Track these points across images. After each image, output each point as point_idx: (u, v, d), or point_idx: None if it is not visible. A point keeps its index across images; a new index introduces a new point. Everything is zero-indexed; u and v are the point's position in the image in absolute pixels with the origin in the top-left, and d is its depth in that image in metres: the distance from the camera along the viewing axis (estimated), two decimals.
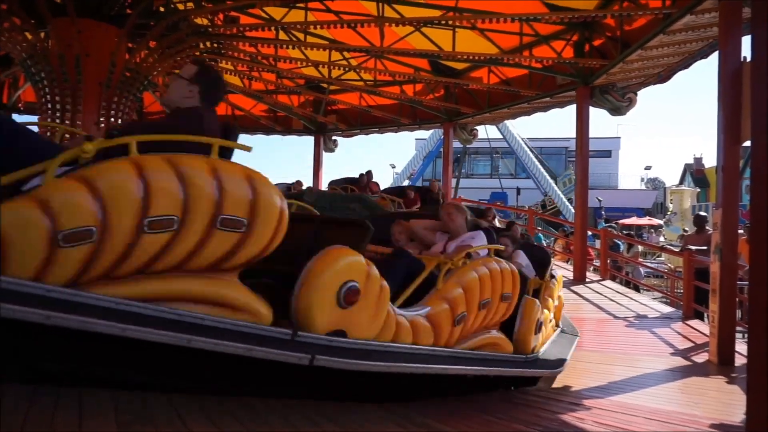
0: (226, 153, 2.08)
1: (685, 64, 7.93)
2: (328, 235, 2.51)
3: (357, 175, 11.13)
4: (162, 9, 7.38)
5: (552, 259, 5.12)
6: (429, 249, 3.51)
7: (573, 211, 15.05)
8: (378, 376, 2.40)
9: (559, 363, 3.87)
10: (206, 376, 2.07)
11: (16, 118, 12.04)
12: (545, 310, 3.93)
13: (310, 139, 13.90)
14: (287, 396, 2.28)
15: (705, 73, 48.55)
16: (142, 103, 12.64)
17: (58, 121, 6.75)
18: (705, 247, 6.92)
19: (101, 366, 1.86)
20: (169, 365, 1.94)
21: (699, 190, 31.00)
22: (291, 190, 9.88)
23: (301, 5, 8.12)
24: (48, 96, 6.78)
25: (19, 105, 11.79)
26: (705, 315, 6.76)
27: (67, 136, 4.29)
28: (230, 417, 1.93)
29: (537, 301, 3.71)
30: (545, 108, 10.71)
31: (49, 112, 6.79)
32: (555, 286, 4.48)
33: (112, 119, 7.05)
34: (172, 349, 1.77)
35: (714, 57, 6.23)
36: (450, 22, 8.29)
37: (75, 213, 1.60)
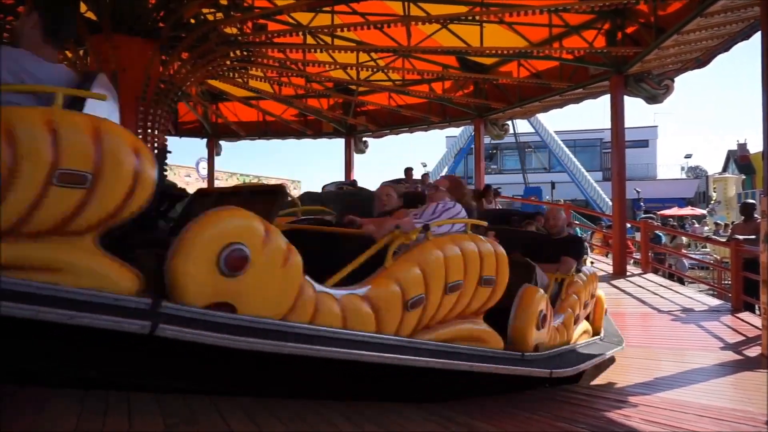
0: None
1: (725, 46, 7.61)
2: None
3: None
4: (192, 21, 7.55)
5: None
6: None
7: (610, 203, 14.66)
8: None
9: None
10: None
11: None
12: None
13: (340, 142, 14.00)
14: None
15: (747, 55, 46.46)
16: (177, 114, 12.98)
17: None
18: (753, 237, 6.65)
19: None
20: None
21: (744, 177, 29.81)
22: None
23: (328, 9, 8.18)
24: None
25: None
26: (756, 307, 6.49)
27: None
28: (271, 416, 1.95)
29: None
30: (578, 100, 10.47)
31: None
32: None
33: (149, 131, 7.26)
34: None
35: (756, 38, 5.98)
36: (477, 18, 8.20)
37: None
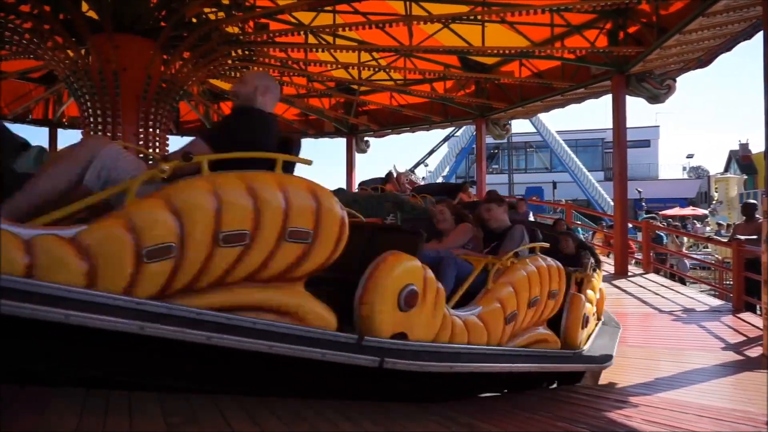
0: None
1: (727, 46, 7.60)
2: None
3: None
4: (194, 20, 7.55)
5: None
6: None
7: (611, 202, 14.65)
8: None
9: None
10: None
11: (62, 132, 12.64)
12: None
13: (342, 141, 14.00)
14: (352, 397, 2.38)
15: (749, 55, 46.35)
16: (179, 113, 12.99)
17: (99, 133, 7.01)
18: (755, 237, 6.64)
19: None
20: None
21: (746, 177, 29.73)
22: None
23: (329, 8, 8.18)
24: (90, 110, 7.03)
25: (64, 120, 12.32)
26: (757, 307, 6.48)
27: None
28: (272, 416, 1.95)
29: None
30: (579, 99, 10.46)
31: (91, 125, 7.04)
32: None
33: (150, 130, 7.26)
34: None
35: (759, 37, 5.96)
36: (479, 17, 8.19)
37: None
